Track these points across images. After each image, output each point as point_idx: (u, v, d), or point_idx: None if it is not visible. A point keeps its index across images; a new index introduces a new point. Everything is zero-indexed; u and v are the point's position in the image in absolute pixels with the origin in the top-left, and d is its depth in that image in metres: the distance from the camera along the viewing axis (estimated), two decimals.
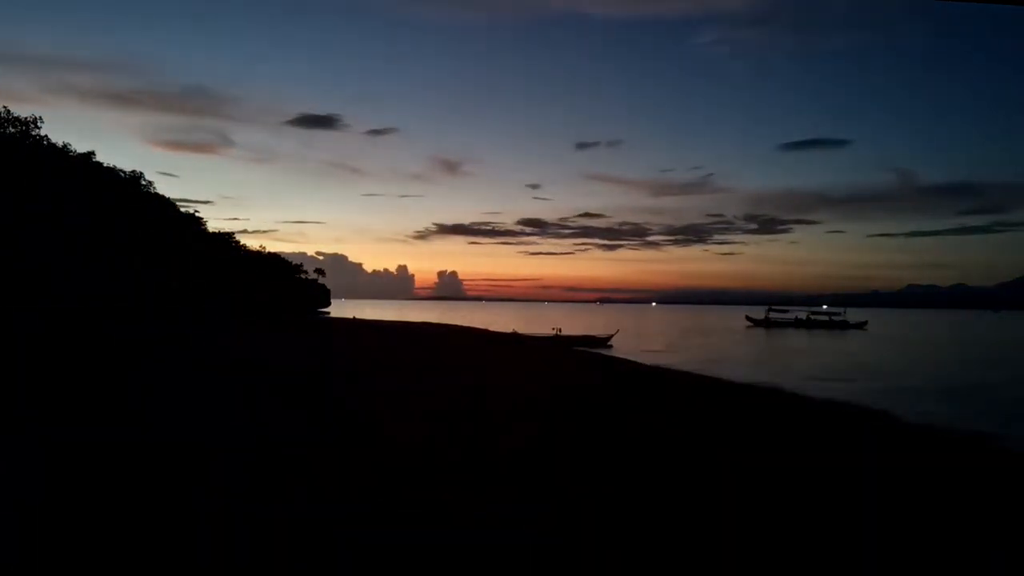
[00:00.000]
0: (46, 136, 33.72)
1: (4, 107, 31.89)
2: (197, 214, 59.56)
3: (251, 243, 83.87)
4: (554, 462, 8.89)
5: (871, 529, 6.63)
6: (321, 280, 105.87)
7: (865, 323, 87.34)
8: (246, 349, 26.95)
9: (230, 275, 61.66)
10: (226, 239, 70.84)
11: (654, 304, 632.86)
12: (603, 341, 49.10)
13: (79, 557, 5.28)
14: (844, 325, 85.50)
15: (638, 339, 58.30)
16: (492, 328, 58.38)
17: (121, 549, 5.46)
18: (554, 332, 49.91)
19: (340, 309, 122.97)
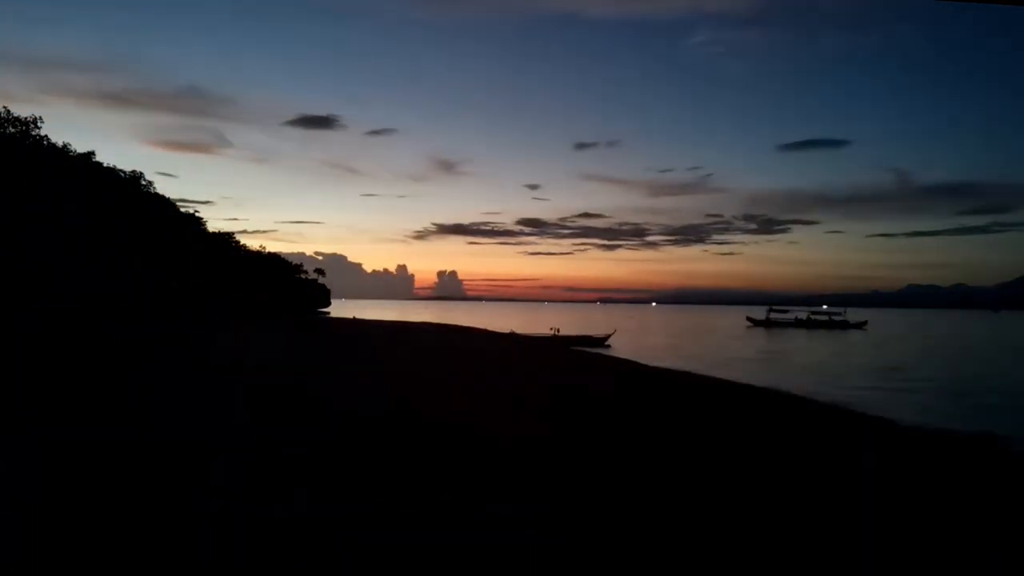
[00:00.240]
0: (46, 136, 33.70)
1: (4, 107, 31.89)
2: (197, 214, 59.53)
3: (251, 243, 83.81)
4: (554, 462, 8.89)
5: (871, 529, 6.63)
6: (321, 280, 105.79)
7: (865, 323, 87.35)
8: (246, 349, 26.95)
9: (230, 275, 61.65)
10: (226, 239, 70.77)
11: (654, 304, 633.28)
12: (601, 341, 49.12)
13: (79, 557, 5.28)
14: (844, 325, 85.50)
15: (639, 339, 58.30)
16: (491, 328, 58.38)
17: (120, 549, 5.46)
18: (552, 332, 49.95)
19: (340, 309, 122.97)
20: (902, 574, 5.65)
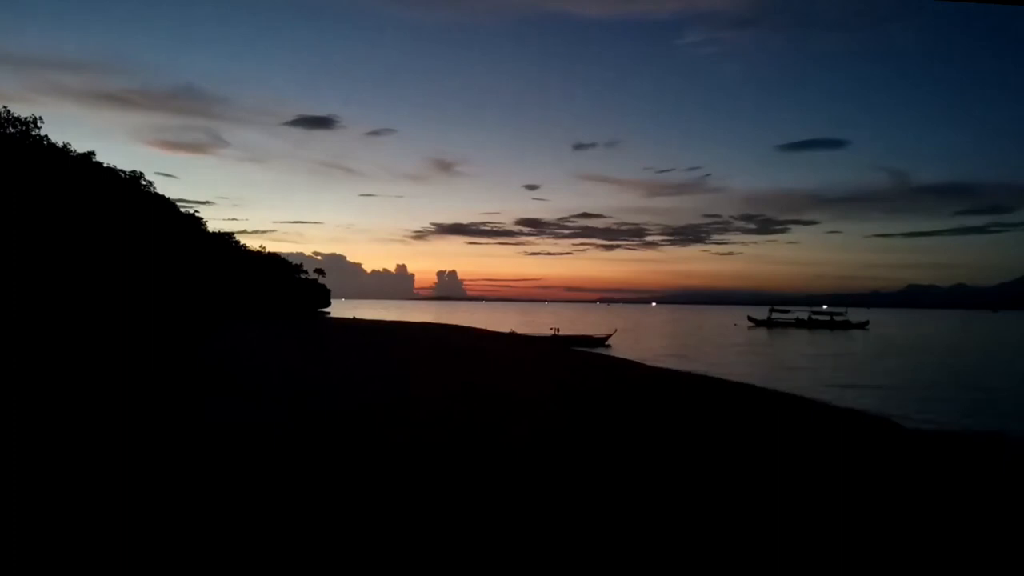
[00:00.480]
0: (46, 136, 33.59)
1: (4, 107, 31.78)
2: (197, 214, 59.41)
3: (250, 243, 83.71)
4: (553, 462, 8.82)
5: (870, 528, 6.56)
6: (321, 280, 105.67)
7: (866, 323, 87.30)
8: (247, 349, 26.87)
9: (231, 275, 61.58)
10: (227, 239, 70.69)
11: (654, 304, 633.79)
12: (601, 341, 49.04)
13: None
14: (846, 325, 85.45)
15: (641, 340, 58.22)
16: (496, 329, 58.31)
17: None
18: (552, 332, 49.87)
19: (340, 309, 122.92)
20: (901, 574, 5.59)
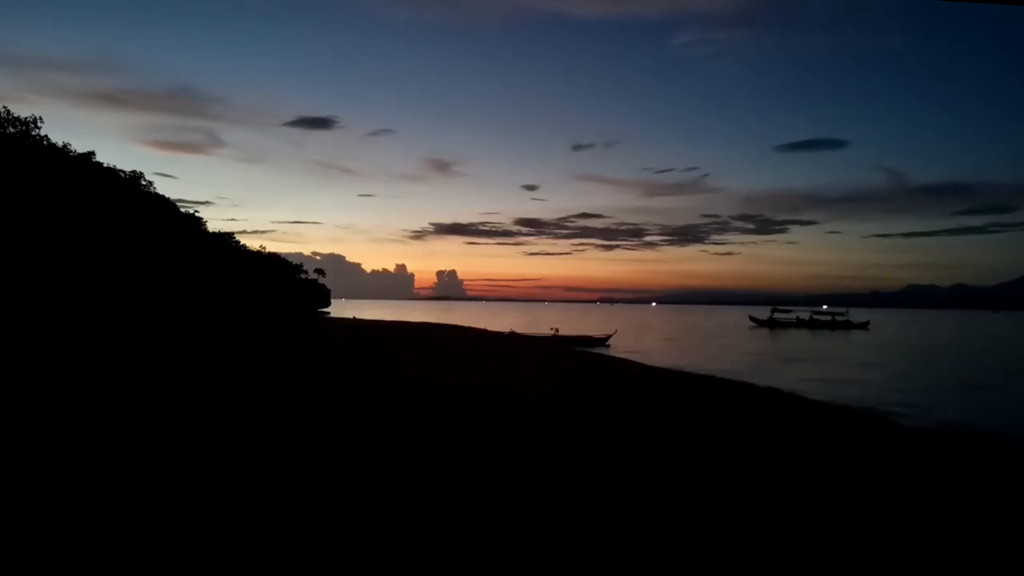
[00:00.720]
0: (46, 136, 33.58)
1: (4, 107, 31.77)
2: (197, 214, 59.36)
3: (250, 243, 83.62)
4: (552, 463, 8.79)
5: (869, 527, 6.53)
6: (321, 280, 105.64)
7: (867, 323, 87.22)
8: (247, 349, 26.84)
9: (231, 276, 61.54)
10: (226, 239, 70.65)
11: (654, 304, 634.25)
12: (601, 341, 48.98)
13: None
14: (847, 325, 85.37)
15: (640, 340, 58.19)
16: (490, 328, 58.29)
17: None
18: (552, 332, 49.82)
19: (340, 309, 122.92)
20: (902, 574, 5.56)
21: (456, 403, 13.80)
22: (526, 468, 8.49)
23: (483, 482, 7.76)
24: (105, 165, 42.25)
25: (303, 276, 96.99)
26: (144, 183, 46.65)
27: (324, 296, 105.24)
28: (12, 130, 31.66)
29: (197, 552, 5.46)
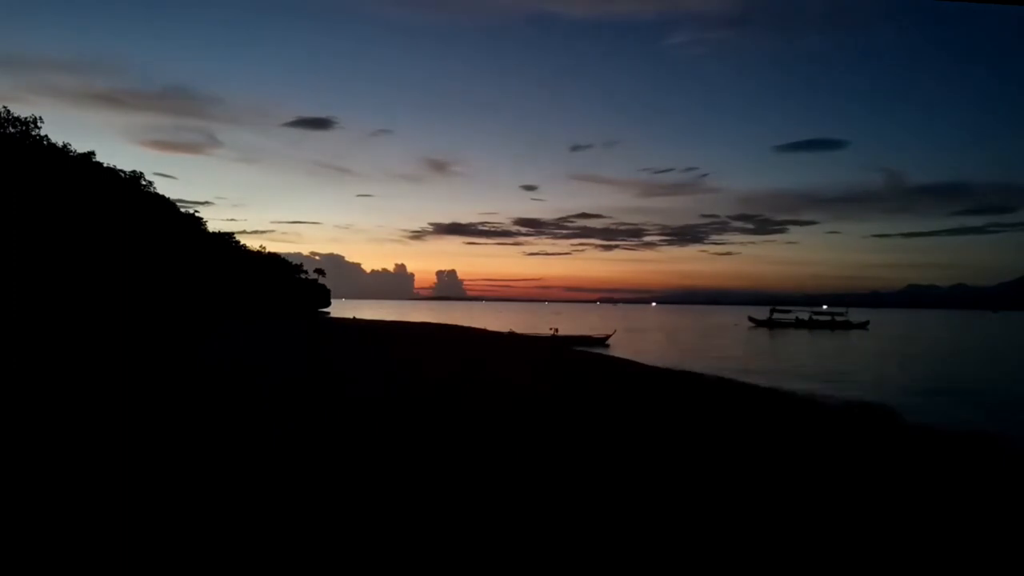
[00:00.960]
0: (46, 136, 33.60)
1: (4, 107, 31.80)
2: (197, 214, 59.38)
3: (250, 243, 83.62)
4: (551, 462, 8.83)
5: (867, 526, 6.56)
6: (321, 280, 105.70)
7: (867, 323, 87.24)
8: (247, 349, 26.86)
9: (232, 275, 61.57)
10: (227, 239, 70.67)
11: (654, 304, 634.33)
12: (600, 341, 49.02)
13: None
14: (847, 325, 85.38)
15: (641, 340, 58.21)
16: (490, 328, 58.32)
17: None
18: (552, 332, 49.86)
19: (340, 309, 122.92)
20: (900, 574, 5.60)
21: (456, 403, 13.82)
22: (525, 468, 8.52)
23: (482, 481, 7.79)
24: (105, 165, 42.32)
25: (303, 276, 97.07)
26: (144, 183, 46.71)
27: (324, 296, 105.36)
28: (12, 130, 31.70)
29: (197, 551, 5.50)
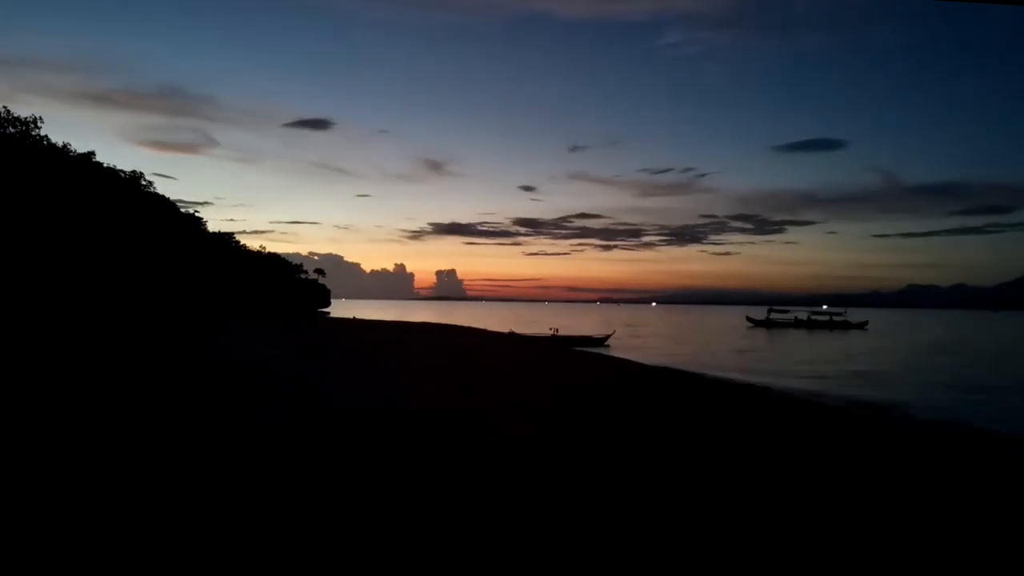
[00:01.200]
0: (46, 136, 33.60)
1: (4, 107, 31.80)
2: (197, 214, 59.35)
3: (250, 243, 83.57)
4: (550, 462, 8.86)
5: (865, 525, 6.59)
6: (321, 280, 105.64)
7: (866, 323, 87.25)
8: (247, 349, 26.89)
9: (232, 276, 61.57)
10: (227, 239, 70.64)
11: (654, 304, 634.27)
12: (600, 341, 49.05)
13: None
14: (845, 325, 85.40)
15: (640, 339, 58.25)
16: (490, 328, 58.34)
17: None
18: (551, 332, 49.89)
19: (340, 309, 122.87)
20: (899, 574, 5.63)
21: (456, 402, 13.86)
22: (525, 468, 8.56)
23: (482, 480, 7.82)
24: (105, 165, 42.32)
25: (303, 276, 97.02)
26: (144, 183, 46.70)
27: (324, 296, 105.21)
28: (12, 130, 31.71)
29: (197, 551, 5.54)
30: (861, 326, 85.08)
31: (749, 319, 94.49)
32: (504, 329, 57.15)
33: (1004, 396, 23.65)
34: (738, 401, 17.36)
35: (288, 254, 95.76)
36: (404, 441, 9.94)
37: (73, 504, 6.56)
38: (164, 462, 8.31)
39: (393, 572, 5.23)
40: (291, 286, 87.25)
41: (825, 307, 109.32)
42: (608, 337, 50.85)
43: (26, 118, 32.86)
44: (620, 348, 43.90)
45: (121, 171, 44.11)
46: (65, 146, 36.34)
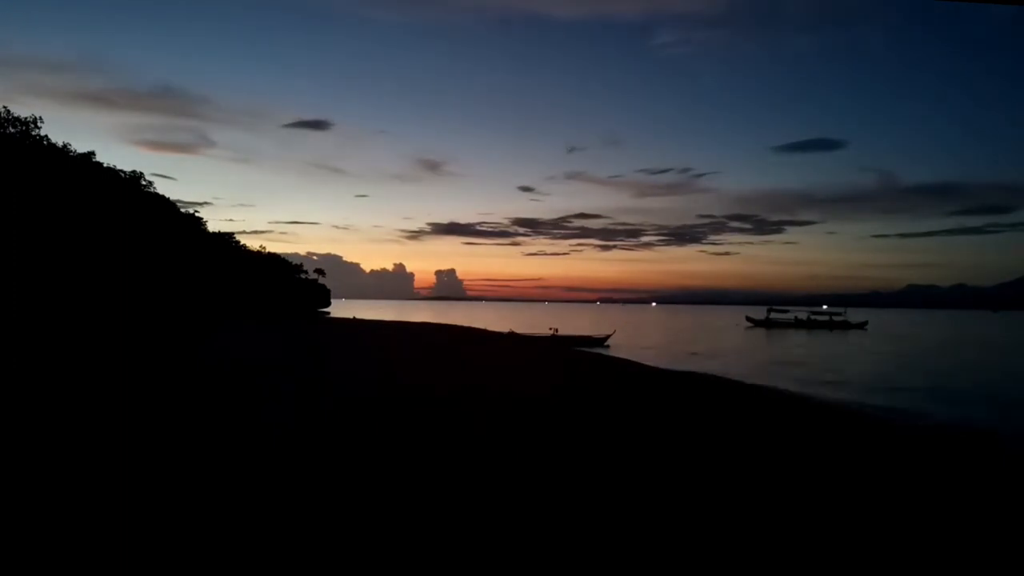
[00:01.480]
0: (46, 136, 33.60)
1: (4, 107, 31.80)
2: (197, 214, 59.35)
3: (249, 243, 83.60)
4: (550, 461, 8.87)
5: (864, 525, 6.60)
6: (321, 280, 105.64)
7: (865, 323, 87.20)
8: (247, 349, 26.90)
9: (232, 276, 61.57)
10: (227, 239, 70.65)
11: (654, 304, 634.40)
12: (600, 341, 49.01)
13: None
14: (845, 325, 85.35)
15: (640, 339, 58.22)
16: (490, 328, 58.33)
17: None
18: (551, 332, 49.85)
19: (340, 309, 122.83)
20: (898, 573, 5.64)
21: (456, 402, 13.87)
22: (524, 467, 8.57)
23: (481, 479, 7.83)
24: (105, 166, 42.30)
25: (303, 276, 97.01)
26: (144, 183, 46.68)
27: (324, 296, 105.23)
28: (12, 130, 31.71)
29: (196, 550, 5.56)
30: (861, 326, 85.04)
31: (748, 319, 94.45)
32: (504, 329, 57.14)
33: (1004, 396, 23.65)
34: (738, 401, 17.37)
35: (287, 254, 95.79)
36: (404, 441, 9.96)
37: (74, 503, 6.58)
38: (165, 462, 8.33)
39: (392, 571, 5.25)
40: (291, 286, 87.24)
41: (825, 307, 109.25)
42: (608, 337, 50.82)
43: (26, 118, 32.86)
44: (621, 348, 43.90)
45: (121, 171, 44.11)
46: (65, 146, 36.34)
